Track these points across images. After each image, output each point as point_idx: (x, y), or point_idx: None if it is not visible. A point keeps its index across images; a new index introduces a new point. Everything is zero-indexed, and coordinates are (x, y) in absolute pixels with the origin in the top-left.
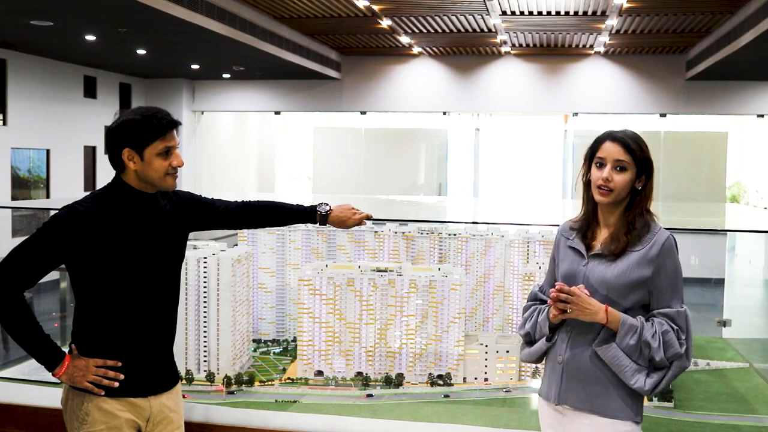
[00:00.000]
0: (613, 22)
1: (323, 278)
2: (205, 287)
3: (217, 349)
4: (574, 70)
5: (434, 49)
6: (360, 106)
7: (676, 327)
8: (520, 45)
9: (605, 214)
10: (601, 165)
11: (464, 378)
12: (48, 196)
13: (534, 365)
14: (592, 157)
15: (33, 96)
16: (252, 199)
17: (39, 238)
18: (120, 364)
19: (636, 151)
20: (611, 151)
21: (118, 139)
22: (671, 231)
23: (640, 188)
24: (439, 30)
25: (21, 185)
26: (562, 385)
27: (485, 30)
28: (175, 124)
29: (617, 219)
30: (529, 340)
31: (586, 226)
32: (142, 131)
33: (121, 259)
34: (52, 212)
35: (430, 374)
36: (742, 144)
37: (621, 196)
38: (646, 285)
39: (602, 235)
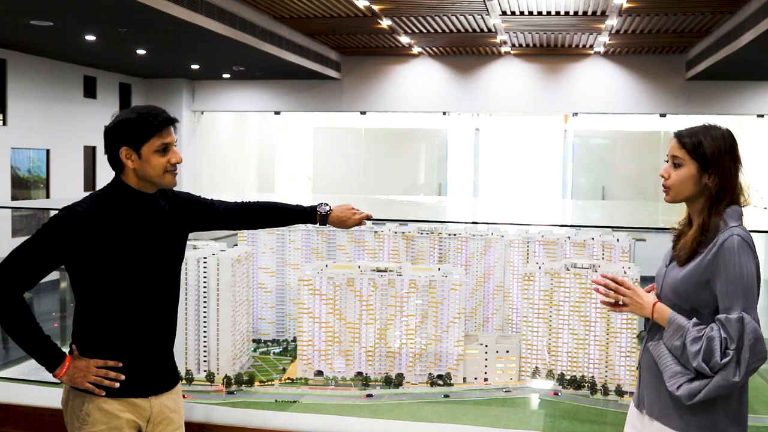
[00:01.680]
0: (613, 22)
1: (323, 278)
2: (205, 287)
3: (217, 349)
4: (574, 70)
5: (434, 49)
6: (360, 106)
7: (725, 335)
8: (520, 45)
9: (692, 216)
10: (666, 162)
11: (464, 378)
12: (48, 196)
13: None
14: None
15: (33, 96)
16: (252, 200)
17: (38, 240)
18: (120, 364)
19: (689, 146)
20: (670, 146)
21: (115, 138)
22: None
23: (710, 185)
24: (439, 30)
25: (21, 185)
26: (640, 389)
27: (485, 30)
28: (172, 121)
29: (698, 220)
30: None
31: (683, 229)
32: (138, 129)
33: (121, 260)
34: (52, 212)
35: (429, 374)
36: (742, 144)
37: (682, 193)
38: (707, 289)
39: (688, 236)
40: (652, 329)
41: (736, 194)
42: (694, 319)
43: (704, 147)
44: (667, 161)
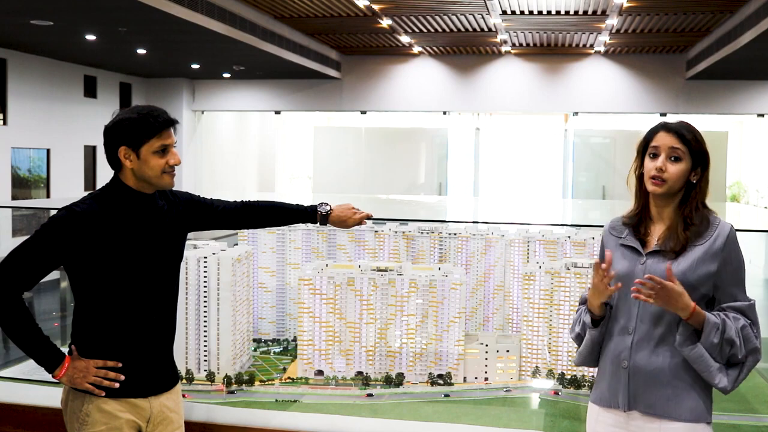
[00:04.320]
0: (613, 21)
1: (323, 278)
2: (205, 287)
3: (217, 348)
4: (574, 69)
5: (434, 48)
6: (360, 105)
7: (749, 321)
8: (521, 44)
9: (659, 209)
10: (655, 155)
11: (464, 377)
12: (48, 196)
13: (588, 368)
14: (645, 148)
15: (33, 96)
16: (252, 199)
17: (37, 240)
18: (120, 364)
19: (692, 141)
20: (666, 140)
21: (114, 137)
22: None
23: (695, 181)
24: (440, 29)
25: (21, 185)
26: (630, 390)
27: (485, 29)
28: (172, 123)
29: (672, 214)
30: (581, 341)
31: (638, 222)
32: (138, 129)
33: (120, 260)
34: (53, 212)
35: (430, 374)
36: (742, 143)
37: (675, 187)
38: (712, 279)
39: (657, 230)
40: (648, 329)
41: None
42: (721, 314)
43: (701, 144)
44: (656, 154)
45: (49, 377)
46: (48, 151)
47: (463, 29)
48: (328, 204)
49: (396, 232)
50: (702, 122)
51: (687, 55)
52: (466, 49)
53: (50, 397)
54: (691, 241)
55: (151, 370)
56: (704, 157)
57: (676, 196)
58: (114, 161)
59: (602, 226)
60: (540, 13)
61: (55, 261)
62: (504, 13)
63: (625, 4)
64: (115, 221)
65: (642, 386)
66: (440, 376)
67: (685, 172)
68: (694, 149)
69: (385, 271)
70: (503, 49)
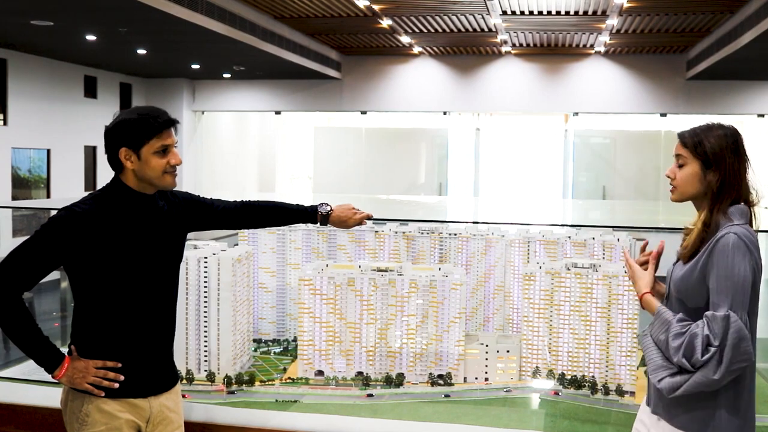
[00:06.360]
0: (613, 21)
1: (324, 278)
2: (205, 287)
3: (217, 348)
4: (574, 69)
5: (434, 48)
6: (360, 105)
7: (707, 332)
8: (521, 45)
9: (699, 215)
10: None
11: (465, 378)
12: (48, 196)
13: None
14: None
15: (33, 96)
16: (252, 199)
17: (37, 240)
18: (120, 365)
19: (690, 144)
20: (675, 147)
21: (115, 138)
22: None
23: (713, 183)
24: (440, 30)
25: (21, 185)
26: (649, 386)
27: (485, 30)
28: (172, 123)
29: (702, 218)
30: None
31: (692, 228)
32: (138, 130)
33: (120, 260)
34: (53, 212)
35: (430, 374)
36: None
37: (688, 192)
38: (702, 286)
39: (693, 234)
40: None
41: (742, 192)
42: (680, 314)
43: (705, 145)
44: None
45: (49, 377)
46: (48, 151)
47: (463, 29)
48: (328, 204)
49: (396, 233)
50: (702, 122)
51: (687, 56)
52: (466, 50)
53: (50, 397)
54: (703, 246)
55: (150, 370)
56: (713, 158)
57: (704, 201)
58: (115, 162)
59: (602, 227)
60: (540, 13)
61: (55, 261)
62: (504, 13)
63: (625, 5)
64: (115, 222)
65: (652, 386)
66: (440, 376)
67: (692, 175)
68: (696, 152)
69: (386, 271)
70: (503, 49)
